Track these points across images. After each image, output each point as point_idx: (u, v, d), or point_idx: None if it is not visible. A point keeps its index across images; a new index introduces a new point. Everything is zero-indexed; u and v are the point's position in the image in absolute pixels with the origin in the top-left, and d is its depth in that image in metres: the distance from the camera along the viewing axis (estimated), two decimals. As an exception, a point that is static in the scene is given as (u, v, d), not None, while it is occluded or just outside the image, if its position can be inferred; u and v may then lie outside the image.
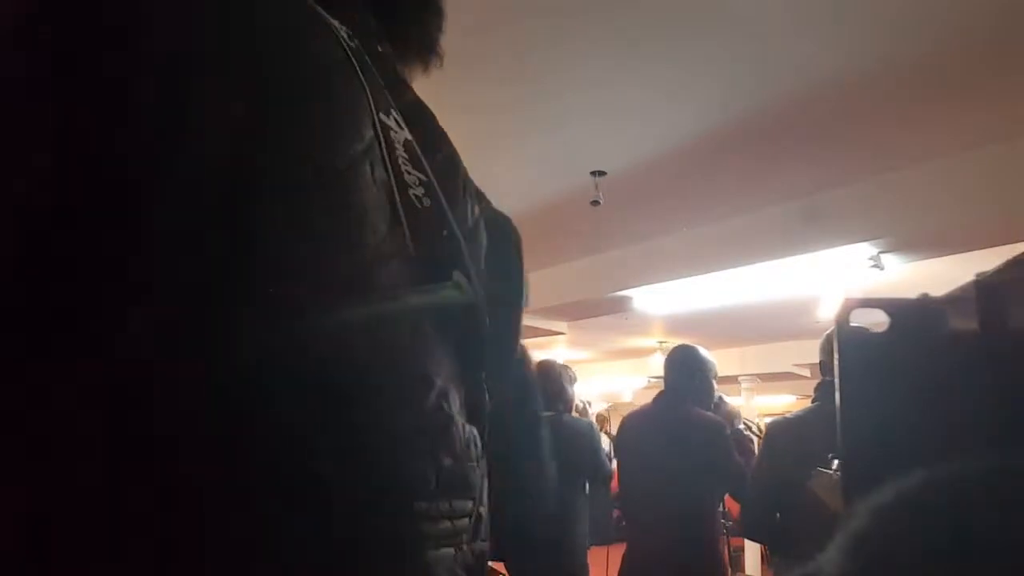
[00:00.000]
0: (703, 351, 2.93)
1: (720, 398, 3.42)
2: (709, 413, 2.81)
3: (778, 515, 2.20)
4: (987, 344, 0.46)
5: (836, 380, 0.54)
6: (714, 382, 2.92)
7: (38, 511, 0.33)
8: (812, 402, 2.37)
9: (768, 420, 2.72)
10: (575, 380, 3.45)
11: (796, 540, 2.09)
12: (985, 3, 2.33)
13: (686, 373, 2.86)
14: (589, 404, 3.78)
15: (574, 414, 3.47)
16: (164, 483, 0.34)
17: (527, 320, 6.97)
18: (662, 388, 2.96)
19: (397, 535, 0.41)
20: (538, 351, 7.36)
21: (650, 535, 2.74)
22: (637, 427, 3.00)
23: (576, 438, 3.16)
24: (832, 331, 2.13)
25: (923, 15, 2.39)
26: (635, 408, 3.28)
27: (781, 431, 2.35)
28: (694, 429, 2.74)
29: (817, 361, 2.53)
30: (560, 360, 3.63)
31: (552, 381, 3.33)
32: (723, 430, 2.81)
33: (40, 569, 0.33)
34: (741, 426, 3.57)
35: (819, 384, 2.35)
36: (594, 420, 3.68)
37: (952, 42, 2.54)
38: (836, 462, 1.90)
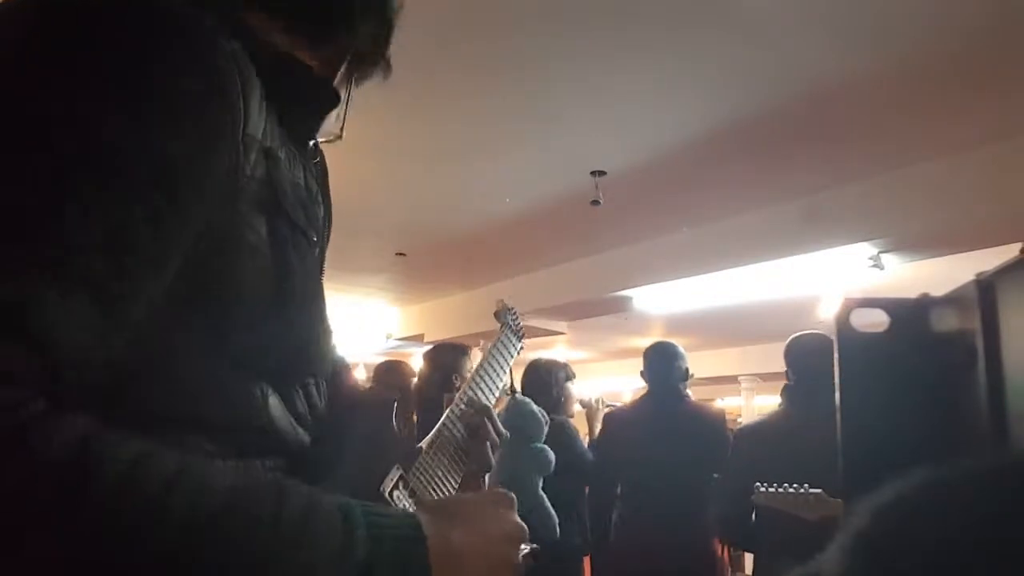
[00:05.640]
0: (678, 345, 2.96)
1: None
2: (704, 404, 2.83)
3: (754, 515, 2.26)
4: (986, 343, 0.46)
5: (836, 380, 0.54)
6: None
7: None
8: (779, 406, 2.42)
9: (740, 425, 2.79)
10: (572, 378, 3.40)
11: (773, 539, 2.15)
12: (985, 4, 2.33)
13: (672, 366, 2.88)
14: (600, 402, 3.70)
15: (579, 408, 3.43)
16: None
17: (527, 320, 6.97)
18: (647, 387, 2.97)
19: None
20: (538, 351, 7.36)
21: (641, 533, 2.73)
22: (627, 425, 3.00)
23: (556, 440, 3.12)
24: (794, 337, 2.17)
25: (923, 16, 2.39)
26: (619, 407, 3.26)
27: (748, 437, 2.44)
28: (690, 420, 2.75)
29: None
30: (561, 359, 3.60)
31: (537, 381, 3.28)
32: (722, 421, 2.82)
33: None
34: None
35: (784, 389, 2.38)
36: (599, 419, 3.58)
37: (952, 42, 2.54)
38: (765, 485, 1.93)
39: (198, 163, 0.49)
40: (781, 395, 2.42)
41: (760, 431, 2.44)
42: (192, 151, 0.49)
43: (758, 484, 2.10)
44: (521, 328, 1.29)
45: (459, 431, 0.93)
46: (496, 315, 1.33)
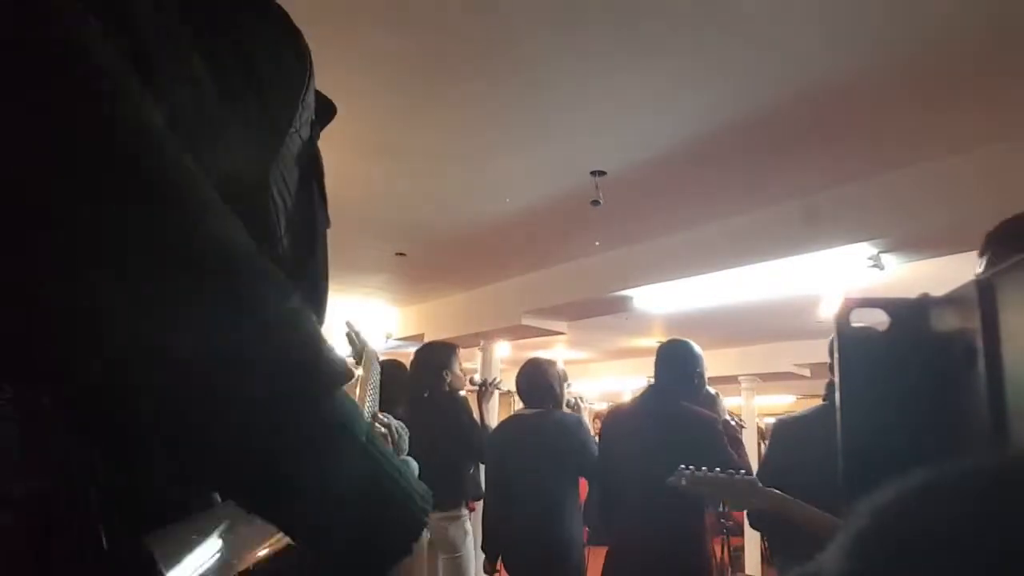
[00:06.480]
0: (695, 346, 2.92)
1: (715, 394, 3.43)
2: (699, 408, 2.80)
3: None
4: (986, 343, 0.46)
5: (836, 379, 0.54)
6: (705, 377, 2.92)
7: None
8: (823, 400, 2.40)
9: (774, 419, 2.74)
10: (565, 377, 3.45)
11: (797, 537, 2.12)
12: (984, 4, 2.33)
13: (678, 368, 2.85)
14: (582, 399, 3.77)
15: (565, 409, 3.46)
16: None
17: (527, 320, 6.92)
18: (650, 383, 2.95)
19: None
20: (538, 351, 7.36)
21: (636, 532, 2.73)
22: (622, 422, 2.99)
23: (564, 433, 3.14)
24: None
25: (923, 15, 2.39)
26: (620, 403, 3.26)
27: (787, 428, 2.40)
28: (684, 424, 2.74)
29: (817, 361, 2.57)
30: (559, 360, 3.63)
31: (540, 378, 3.32)
32: (715, 424, 2.81)
33: None
34: (729, 419, 3.60)
35: (828, 383, 2.39)
36: (586, 416, 3.67)
37: (951, 43, 2.54)
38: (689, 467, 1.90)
39: (280, 86, 0.60)
40: (825, 390, 2.42)
41: (800, 423, 2.39)
42: (278, 75, 0.60)
43: (683, 465, 2.07)
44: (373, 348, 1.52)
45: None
46: (350, 339, 1.57)
